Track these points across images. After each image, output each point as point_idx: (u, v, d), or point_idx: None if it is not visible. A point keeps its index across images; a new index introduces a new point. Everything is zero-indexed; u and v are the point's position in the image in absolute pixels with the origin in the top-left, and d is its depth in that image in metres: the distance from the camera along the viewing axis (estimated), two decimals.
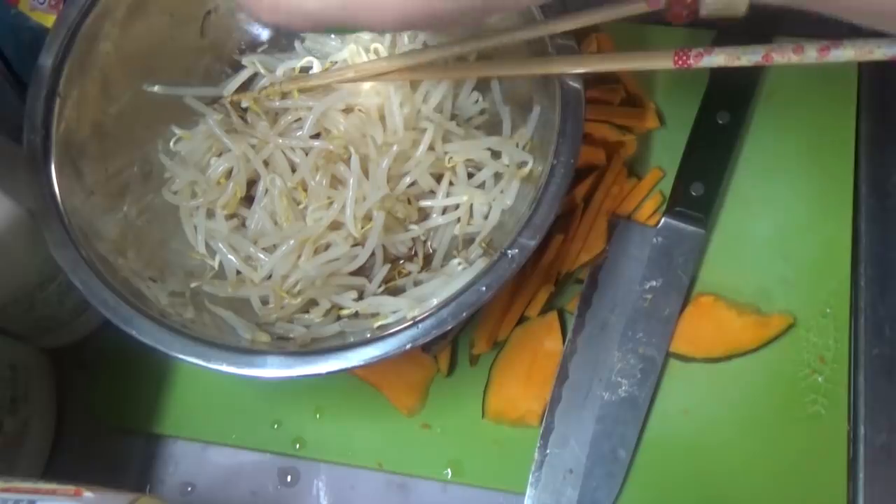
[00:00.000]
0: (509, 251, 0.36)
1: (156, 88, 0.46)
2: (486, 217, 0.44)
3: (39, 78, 0.40)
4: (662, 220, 0.47)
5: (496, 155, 0.45)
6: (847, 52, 0.31)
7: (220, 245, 0.44)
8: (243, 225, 0.46)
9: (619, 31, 0.51)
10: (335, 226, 0.43)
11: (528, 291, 0.46)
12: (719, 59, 0.34)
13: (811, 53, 0.32)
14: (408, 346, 0.35)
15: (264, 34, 0.50)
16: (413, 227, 0.45)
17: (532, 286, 0.46)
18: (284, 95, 0.46)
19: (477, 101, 0.47)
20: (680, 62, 0.35)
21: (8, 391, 0.43)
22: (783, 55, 0.33)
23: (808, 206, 0.48)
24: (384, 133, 0.45)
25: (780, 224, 0.48)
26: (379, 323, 0.40)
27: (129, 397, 0.47)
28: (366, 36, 0.47)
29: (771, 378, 0.45)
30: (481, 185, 0.45)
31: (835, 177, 0.48)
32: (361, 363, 0.35)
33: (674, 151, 0.49)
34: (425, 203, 0.45)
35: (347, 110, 0.46)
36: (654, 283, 0.46)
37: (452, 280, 0.40)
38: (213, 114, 0.46)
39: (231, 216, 0.45)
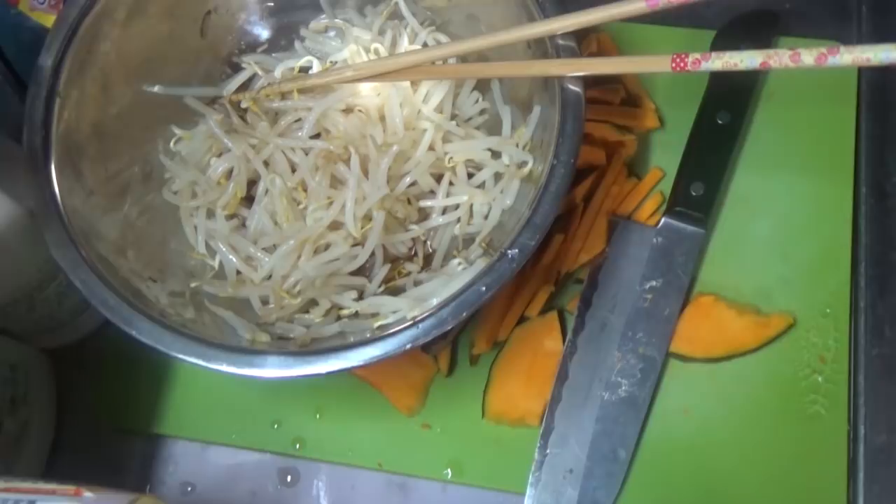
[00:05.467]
0: (509, 251, 0.36)
1: (156, 88, 0.46)
2: (486, 217, 0.44)
3: (39, 78, 0.40)
4: (662, 220, 0.47)
5: (496, 155, 0.45)
6: (844, 59, 0.31)
7: (220, 245, 0.44)
8: (243, 225, 0.46)
9: (619, 32, 0.51)
10: (335, 226, 0.43)
11: (528, 291, 0.46)
12: (717, 64, 0.34)
13: (808, 60, 0.32)
14: (408, 346, 0.35)
15: (264, 34, 0.50)
16: (413, 227, 0.45)
17: (532, 286, 0.46)
18: (284, 95, 0.46)
19: (477, 101, 0.47)
20: (678, 67, 0.35)
21: (8, 391, 0.43)
22: (780, 62, 0.33)
23: (808, 205, 0.48)
24: (384, 133, 0.45)
25: (780, 224, 0.48)
26: (379, 323, 0.40)
27: (129, 397, 0.47)
28: (366, 36, 0.47)
29: (771, 378, 0.45)
30: (481, 185, 0.45)
31: (835, 177, 0.48)
32: (361, 363, 0.35)
33: (674, 151, 0.49)
34: (425, 203, 0.45)
35: (347, 110, 0.46)
36: (654, 283, 0.46)
37: (452, 280, 0.40)
38: (213, 114, 0.46)
39: (231, 216, 0.45)
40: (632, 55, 0.50)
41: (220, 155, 0.46)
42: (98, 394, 0.48)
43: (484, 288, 0.36)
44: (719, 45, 0.50)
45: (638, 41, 0.52)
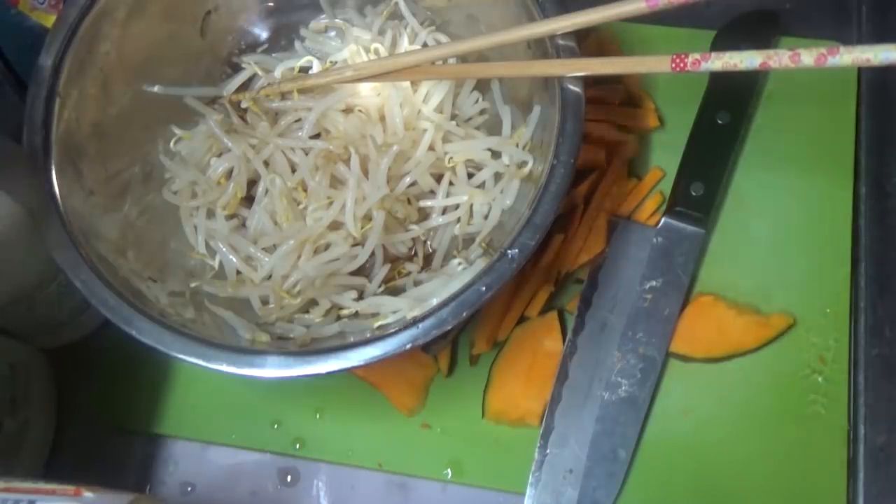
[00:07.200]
0: (509, 251, 0.36)
1: (156, 88, 0.46)
2: (486, 217, 0.44)
3: (39, 78, 0.40)
4: (662, 220, 0.47)
5: (496, 155, 0.45)
6: (844, 59, 0.31)
7: (220, 245, 0.44)
8: (243, 225, 0.46)
9: (619, 32, 0.51)
10: (335, 226, 0.43)
11: (528, 291, 0.46)
12: (717, 64, 0.34)
13: (808, 61, 0.32)
14: (408, 346, 0.35)
15: (264, 34, 0.50)
16: (413, 227, 0.45)
17: (532, 286, 0.46)
18: (284, 95, 0.46)
19: (477, 101, 0.47)
20: (678, 67, 0.35)
21: (8, 391, 0.43)
22: (780, 62, 0.33)
23: (808, 206, 0.48)
24: (384, 133, 0.45)
25: (780, 224, 0.48)
26: (379, 323, 0.40)
27: (129, 397, 0.47)
28: (366, 36, 0.47)
29: (771, 378, 0.45)
30: (481, 185, 0.45)
31: (835, 177, 0.48)
32: (361, 363, 0.35)
33: (674, 151, 0.49)
34: (425, 203, 0.45)
35: (347, 110, 0.46)
36: (654, 283, 0.46)
37: (452, 280, 0.40)
38: (213, 114, 0.46)
39: (231, 216, 0.45)
40: (632, 55, 0.50)
41: (220, 155, 0.46)
42: (98, 394, 0.48)
43: (484, 288, 0.36)
44: (719, 45, 0.50)
45: (638, 41, 0.52)
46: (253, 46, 0.50)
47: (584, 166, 0.48)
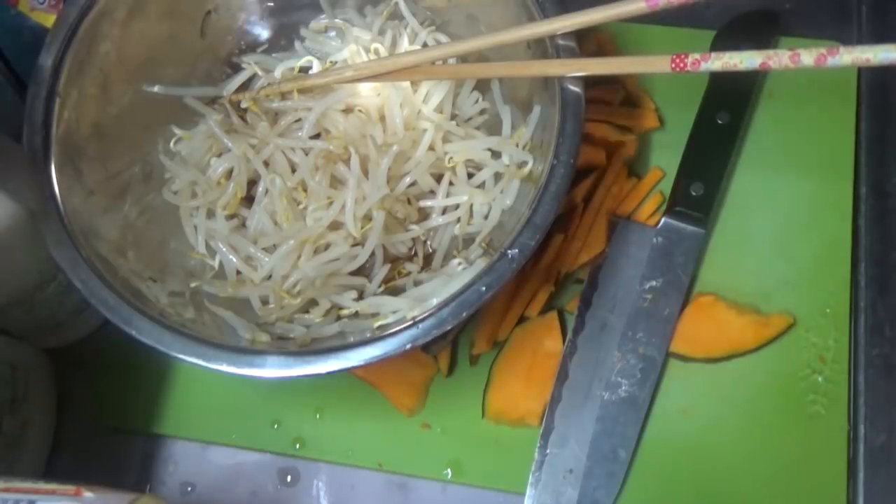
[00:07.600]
0: (509, 251, 0.36)
1: (156, 89, 0.46)
2: (486, 217, 0.44)
3: (39, 78, 0.40)
4: (662, 220, 0.47)
5: (496, 155, 0.45)
6: (844, 59, 0.31)
7: (220, 245, 0.44)
8: (243, 225, 0.46)
9: (619, 32, 0.51)
10: (335, 226, 0.43)
11: (528, 291, 0.46)
12: (716, 64, 0.34)
13: (808, 61, 0.32)
14: (408, 346, 0.35)
15: (264, 34, 0.50)
16: (413, 227, 0.45)
17: (532, 286, 0.46)
18: (284, 95, 0.46)
19: (477, 101, 0.47)
20: (678, 67, 0.35)
21: (8, 391, 0.43)
22: (780, 62, 0.33)
23: (808, 206, 0.48)
24: (384, 133, 0.45)
25: (780, 224, 0.48)
26: (379, 323, 0.40)
27: (129, 397, 0.47)
28: (366, 36, 0.47)
29: (771, 378, 0.45)
30: (481, 185, 0.45)
31: (835, 177, 0.48)
32: (361, 363, 0.35)
33: (674, 151, 0.49)
34: (425, 203, 0.45)
35: (347, 111, 0.46)
36: (654, 283, 0.46)
37: (452, 280, 0.40)
38: (213, 114, 0.46)
39: (231, 216, 0.45)
40: (632, 55, 0.50)
41: (220, 155, 0.46)
42: (98, 394, 0.48)
43: (484, 288, 0.36)
44: (719, 45, 0.50)
45: (638, 41, 0.52)
46: (253, 46, 0.50)
47: (584, 166, 0.48)
